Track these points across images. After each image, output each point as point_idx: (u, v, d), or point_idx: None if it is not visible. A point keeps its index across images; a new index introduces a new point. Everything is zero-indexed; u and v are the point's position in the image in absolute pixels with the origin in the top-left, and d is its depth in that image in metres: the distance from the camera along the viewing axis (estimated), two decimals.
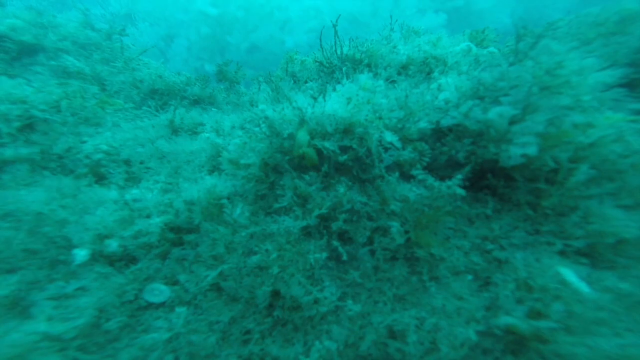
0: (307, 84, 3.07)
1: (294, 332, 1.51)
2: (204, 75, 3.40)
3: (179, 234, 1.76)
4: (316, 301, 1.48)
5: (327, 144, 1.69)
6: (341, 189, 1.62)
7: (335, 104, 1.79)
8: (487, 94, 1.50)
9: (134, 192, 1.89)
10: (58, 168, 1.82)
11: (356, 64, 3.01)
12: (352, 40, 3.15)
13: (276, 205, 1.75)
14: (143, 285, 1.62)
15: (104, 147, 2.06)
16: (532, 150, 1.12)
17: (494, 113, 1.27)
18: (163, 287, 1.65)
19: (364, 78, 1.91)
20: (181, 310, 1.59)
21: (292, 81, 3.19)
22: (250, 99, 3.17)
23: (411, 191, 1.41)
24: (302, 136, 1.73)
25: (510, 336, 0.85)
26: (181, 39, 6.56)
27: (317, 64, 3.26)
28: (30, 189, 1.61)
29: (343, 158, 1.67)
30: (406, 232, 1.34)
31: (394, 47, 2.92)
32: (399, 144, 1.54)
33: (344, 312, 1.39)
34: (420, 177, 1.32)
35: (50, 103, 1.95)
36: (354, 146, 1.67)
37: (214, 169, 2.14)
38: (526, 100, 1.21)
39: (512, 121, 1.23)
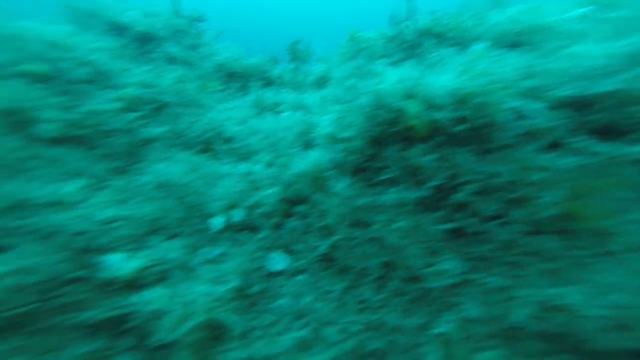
0: (381, 60, 2.97)
1: (411, 303, 1.51)
2: (273, 57, 3.52)
3: (289, 205, 1.86)
4: (438, 273, 1.46)
5: (440, 115, 1.62)
6: (459, 159, 1.55)
7: (445, 75, 1.70)
8: None
9: (244, 167, 2.03)
10: (181, 145, 2.02)
11: (438, 38, 2.83)
12: (432, 12, 2.97)
13: (380, 177, 1.74)
14: (266, 253, 1.75)
15: (211, 126, 2.24)
16: None
17: None
18: (282, 256, 1.77)
19: (479, 48, 1.79)
20: (300, 278, 1.69)
21: (362, 57, 3.11)
22: (321, 76, 3.18)
23: (556, 159, 1.29)
24: (412, 108, 1.68)
25: None
26: None
27: (386, 39, 3.14)
28: (168, 163, 1.82)
29: (459, 128, 1.59)
30: (555, 203, 1.23)
31: (482, 18, 2.67)
32: (537, 112, 1.41)
33: (476, 285, 1.35)
34: (577, 144, 1.19)
35: (168, 87, 2.16)
36: (471, 116, 1.58)
37: (307, 144, 2.20)
38: None
39: None
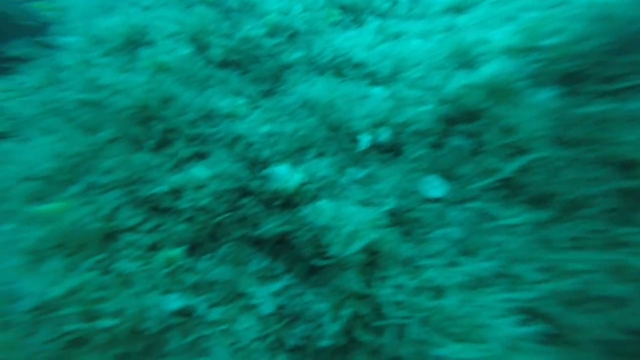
0: None
1: None
2: None
3: (450, 123, 1.57)
4: None
5: None
6: None
7: None
8: None
9: (382, 88, 1.82)
10: (315, 70, 1.95)
11: None
12: None
13: (616, 86, 1.22)
14: (420, 177, 1.52)
15: (339, 53, 2.08)
16: None
17: None
18: (440, 180, 1.51)
19: None
20: (470, 206, 1.41)
21: None
22: (456, 4, 2.66)
23: None
24: None
25: None
26: None
27: None
28: (307, 85, 1.76)
29: None
30: None
31: None
32: None
33: None
34: None
35: (298, 15, 2.11)
36: None
37: (464, 63, 1.80)
38: None
39: None
